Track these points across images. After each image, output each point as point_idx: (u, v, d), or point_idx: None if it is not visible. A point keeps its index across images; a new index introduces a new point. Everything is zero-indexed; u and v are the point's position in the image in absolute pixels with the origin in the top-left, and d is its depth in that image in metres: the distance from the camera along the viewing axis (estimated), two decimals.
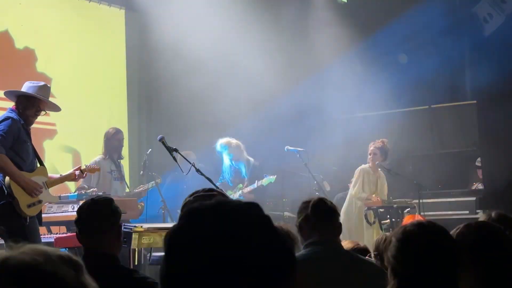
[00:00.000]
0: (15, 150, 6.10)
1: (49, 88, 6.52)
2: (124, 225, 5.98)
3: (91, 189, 7.85)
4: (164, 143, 6.42)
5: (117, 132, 8.78)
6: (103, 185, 8.33)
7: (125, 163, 9.36)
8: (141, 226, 6.00)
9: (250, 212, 1.25)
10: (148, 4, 10.24)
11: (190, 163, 6.41)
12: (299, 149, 9.14)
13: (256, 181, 9.03)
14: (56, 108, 6.75)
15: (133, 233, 5.84)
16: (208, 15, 10.07)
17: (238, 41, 10.14)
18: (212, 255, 1.18)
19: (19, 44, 9.39)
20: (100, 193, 7.37)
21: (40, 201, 6.22)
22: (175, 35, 9.90)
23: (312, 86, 10.91)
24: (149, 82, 11.14)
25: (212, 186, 5.03)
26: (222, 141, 9.26)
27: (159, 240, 6.08)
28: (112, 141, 8.67)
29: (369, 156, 9.21)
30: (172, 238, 1.25)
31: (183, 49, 9.89)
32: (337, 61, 11.11)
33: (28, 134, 6.27)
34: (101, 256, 3.46)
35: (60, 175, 6.87)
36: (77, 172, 6.83)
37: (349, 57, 11.21)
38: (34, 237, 6.08)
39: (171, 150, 6.40)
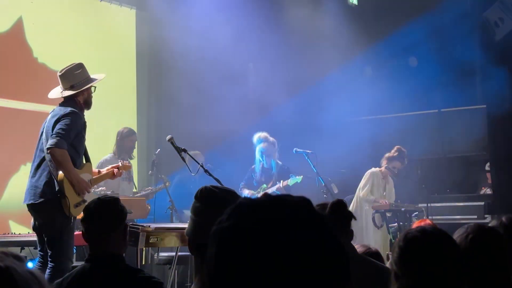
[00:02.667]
0: (74, 146, 5.94)
1: (82, 64, 6.35)
2: (131, 224, 6.01)
3: (100, 188, 7.85)
4: (172, 143, 6.43)
5: (132, 133, 8.80)
6: (111, 184, 8.34)
7: (133, 163, 9.38)
8: (149, 226, 6.01)
9: (303, 207, 1.20)
10: (158, 4, 10.27)
11: (199, 164, 6.42)
12: (308, 151, 9.14)
13: (282, 181, 8.99)
14: (99, 78, 6.52)
15: (141, 233, 5.83)
16: (218, 16, 10.09)
17: (246, 42, 10.15)
18: (266, 252, 1.13)
19: (30, 41, 9.42)
20: (109, 193, 7.39)
21: (84, 201, 5.90)
22: (185, 36, 9.92)
23: (321, 88, 10.90)
24: (158, 82, 11.17)
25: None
26: (260, 134, 9.24)
27: (166, 240, 6.08)
28: (126, 141, 8.68)
29: (385, 167, 9.21)
30: (225, 234, 1.19)
31: (192, 49, 9.91)
32: (346, 63, 11.10)
33: (85, 128, 6.14)
34: (107, 255, 3.48)
35: (99, 171, 6.64)
36: (115, 170, 6.64)
37: (359, 60, 11.20)
38: (71, 239, 5.91)
39: (179, 150, 6.41)
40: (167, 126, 10.01)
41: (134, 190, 8.77)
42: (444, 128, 11.23)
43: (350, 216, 3.63)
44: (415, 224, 6.12)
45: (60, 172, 5.82)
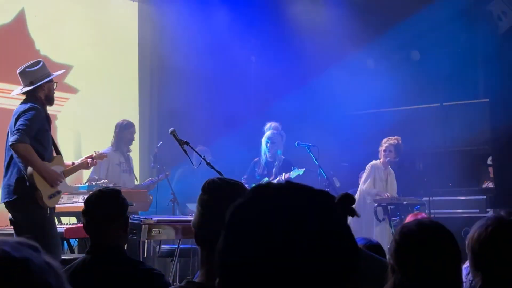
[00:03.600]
0: (38, 139, 6.03)
1: (43, 62, 6.39)
2: (133, 217, 6.02)
3: (102, 181, 7.87)
4: (175, 136, 6.42)
5: (130, 125, 8.79)
6: (112, 177, 8.35)
7: (135, 156, 9.39)
8: (151, 218, 6.02)
9: (320, 197, 1.20)
10: None
11: (201, 156, 6.42)
12: (310, 144, 9.13)
13: (283, 173, 8.96)
14: (59, 74, 6.64)
15: (143, 225, 5.85)
16: (220, 9, 10.08)
17: (248, 35, 10.14)
18: (276, 236, 1.12)
19: (33, 34, 9.43)
20: (110, 185, 7.39)
21: (59, 192, 6.14)
22: (187, 29, 9.92)
23: (323, 81, 10.89)
24: (160, 75, 11.17)
25: None
26: (272, 123, 9.11)
27: (168, 232, 6.09)
28: (126, 133, 8.68)
29: (383, 153, 9.19)
30: (237, 215, 1.18)
31: (194, 43, 9.91)
32: (348, 57, 11.09)
33: (49, 122, 6.23)
34: (108, 247, 3.49)
35: (73, 163, 6.80)
36: (89, 160, 6.76)
37: (361, 53, 11.18)
38: (53, 229, 6.05)
39: (181, 143, 6.40)
40: (169, 119, 10.02)
41: (136, 182, 8.77)
42: (447, 122, 11.22)
43: (353, 211, 3.63)
44: (408, 218, 6.12)
45: (30, 167, 5.95)
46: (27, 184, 5.96)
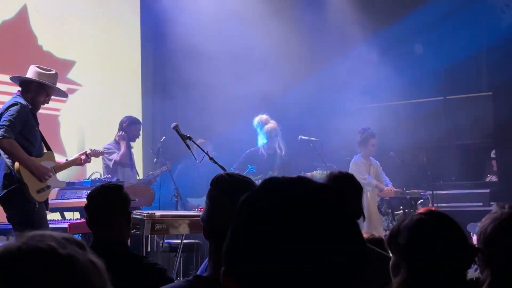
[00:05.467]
0: (23, 135, 6.09)
1: (57, 76, 6.50)
2: (137, 212, 6.03)
3: (105, 176, 7.87)
4: (177, 131, 6.42)
5: (137, 121, 8.83)
6: (114, 172, 8.37)
7: (138, 151, 9.40)
8: (154, 213, 6.02)
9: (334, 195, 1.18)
10: None
11: (204, 151, 6.42)
12: (313, 138, 9.11)
13: (302, 172, 8.78)
14: (63, 94, 6.83)
15: (146, 220, 5.86)
16: (224, 3, 10.07)
17: (251, 31, 10.12)
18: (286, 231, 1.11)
19: (35, 29, 9.43)
20: (113, 180, 7.40)
21: (48, 187, 6.23)
22: (191, 23, 9.91)
23: (326, 75, 10.87)
24: (163, 70, 11.16)
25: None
26: (262, 116, 8.94)
27: (172, 227, 6.10)
28: (132, 129, 8.69)
29: (371, 147, 9.12)
30: (246, 208, 1.17)
31: (198, 37, 9.90)
32: (351, 50, 11.07)
33: (35, 119, 6.28)
34: (110, 243, 3.49)
35: (66, 159, 6.89)
36: (83, 157, 6.82)
37: (364, 46, 11.16)
38: (42, 223, 6.11)
39: (184, 138, 6.40)
40: (173, 114, 10.02)
41: (139, 177, 8.77)
42: (450, 115, 11.20)
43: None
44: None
45: (17, 162, 6.01)
46: (15, 178, 6.03)
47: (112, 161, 8.46)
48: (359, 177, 8.90)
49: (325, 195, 1.17)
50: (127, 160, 8.59)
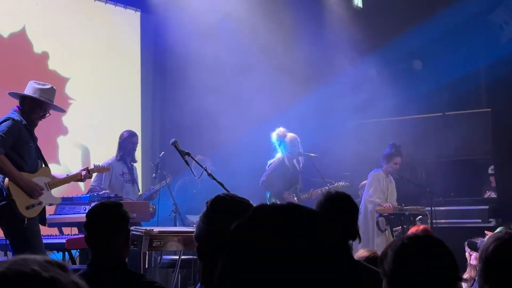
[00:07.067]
0: (16, 151, 6.06)
1: (55, 91, 6.45)
2: (135, 228, 6.01)
3: (103, 191, 7.84)
4: (176, 147, 6.42)
5: (132, 135, 8.77)
6: (115, 187, 8.33)
7: (137, 166, 9.38)
8: (152, 230, 6.00)
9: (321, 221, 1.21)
10: (163, 6, 10.28)
11: (202, 167, 6.41)
12: (312, 154, 9.11)
13: (328, 185, 8.66)
14: (60, 110, 6.78)
15: (144, 236, 5.84)
16: (223, 18, 10.09)
17: (250, 45, 10.15)
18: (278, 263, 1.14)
19: (35, 44, 9.44)
20: (112, 195, 7.37)
21: (40, 203, 6.15)
22: (190, 37, 9.93)
23: (326, 91, 10.89)
24: (163, 84, 11.17)
25: (224, 191, 5.00)
26: (278, 130, 8.69)
27: (170, 244, 6.08)
28: (127, 143, 8.67)
29: (393, 165, 9.21)
30: (237, 235, 1.20)
31: (197, 51, 9.93)
32: (351, 66, 11.10)
33: (31, 134, 6.24)
34: (109, 260, 3.48)
35: (67, 175, 6.82)
36: (83, 173, 6.76)
37: (363, 62, 11.19)
38: (34, 239, 6.06)
39: (183, 154, 6.40)
40: (172, 129, 10.02)
41: (139, 193, 8.75)
42: (449, 131, 11.22)
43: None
44: (411, 229, 6.12)
45: (7, 178, 6.00)
46: (4, 194, 6.00)
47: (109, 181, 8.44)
48: (371, 190, 9.04)
49: (312, 227, 1.19)
50: (119, 185, 8.51)
